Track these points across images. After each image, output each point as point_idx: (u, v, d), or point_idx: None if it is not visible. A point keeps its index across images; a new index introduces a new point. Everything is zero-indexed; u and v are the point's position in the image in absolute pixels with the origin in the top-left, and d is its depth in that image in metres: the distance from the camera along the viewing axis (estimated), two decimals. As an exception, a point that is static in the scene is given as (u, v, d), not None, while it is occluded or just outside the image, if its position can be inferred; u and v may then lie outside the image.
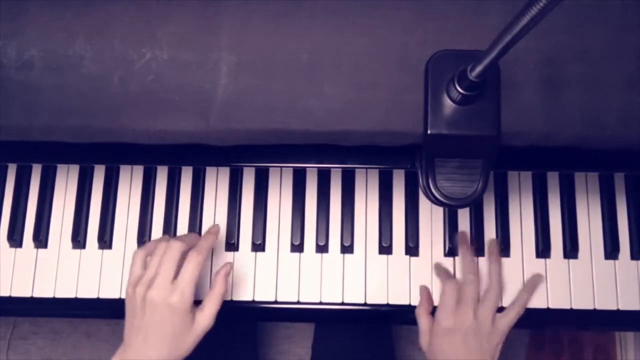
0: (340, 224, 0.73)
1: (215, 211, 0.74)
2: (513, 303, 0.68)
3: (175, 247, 0.61)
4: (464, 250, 0.70)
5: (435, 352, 0.66)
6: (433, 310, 0.69)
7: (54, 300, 0.72)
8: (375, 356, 0.76)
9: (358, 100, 0.57)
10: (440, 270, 0.71)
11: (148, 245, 0.64)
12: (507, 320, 0.67)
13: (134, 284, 0.61)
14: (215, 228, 0.68)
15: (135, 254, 0.64)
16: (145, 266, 0.63)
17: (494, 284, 0.68)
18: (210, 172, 0.75)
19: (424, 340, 0.68)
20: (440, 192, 0.56)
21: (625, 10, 0.57)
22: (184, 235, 0.68)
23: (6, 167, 0.76)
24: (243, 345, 0.89)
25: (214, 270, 0.71)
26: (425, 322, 0.68)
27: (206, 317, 0.61)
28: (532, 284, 0.70)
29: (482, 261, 0.72)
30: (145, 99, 0.58)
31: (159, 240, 0.63)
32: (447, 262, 0.72)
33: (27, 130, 0.59)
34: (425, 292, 0.70)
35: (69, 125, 0.59)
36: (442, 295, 0.68)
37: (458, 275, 0.71)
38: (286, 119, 0.57)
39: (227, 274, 0.64)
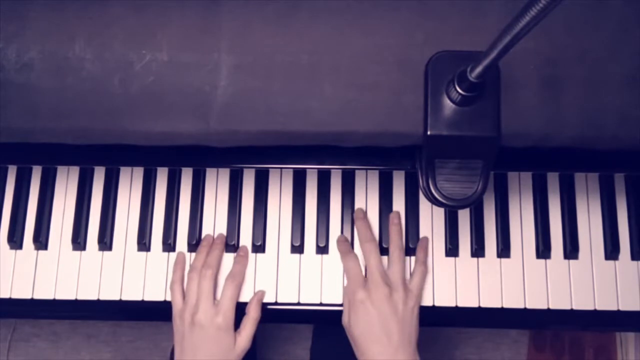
0: (341, 225, 0.73)
1: (215, 212, 0.74)
2: (416, 263, 0.70)
3: (209, 275, 0.69)
4: (358, 223, 0.71)
5: (352, 327, 0.66)
6: None
7: (54, 302, 0.72)
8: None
9: (358, 101, 0.57)
10: (339, 244, 0.72)
11: (178, 275, 0.71)
12: (416, 281, 0.68)
13: (179, 314, 0.68)
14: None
15: (172, 287, 0.70)
16: (183, 296, 0.69)
17: (394, 247, 0.69)
18: (211, 174, 0.75)
19: (345, 317, 0.68)
20: (441, 193, 0.56)
21: (625, 10, 0.57)
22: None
23: (6, 169, 0.76)
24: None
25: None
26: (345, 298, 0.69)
27: (244, 339, 0.68)
28: (423, 241, 0.71)
29: (482, 262, 0.72)
30: (145, 100, 0.58)
31: (186, 271, 0.70)
32: (449, 263, 0.72)
33: (27, 132, 0.59)
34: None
35: (69, 127, 0.59)
36: (347, 270, 0.69)
37: (458, 275, 0.71)
38: (286, 120, 0.57)
39: (261, 301, 0.71)
